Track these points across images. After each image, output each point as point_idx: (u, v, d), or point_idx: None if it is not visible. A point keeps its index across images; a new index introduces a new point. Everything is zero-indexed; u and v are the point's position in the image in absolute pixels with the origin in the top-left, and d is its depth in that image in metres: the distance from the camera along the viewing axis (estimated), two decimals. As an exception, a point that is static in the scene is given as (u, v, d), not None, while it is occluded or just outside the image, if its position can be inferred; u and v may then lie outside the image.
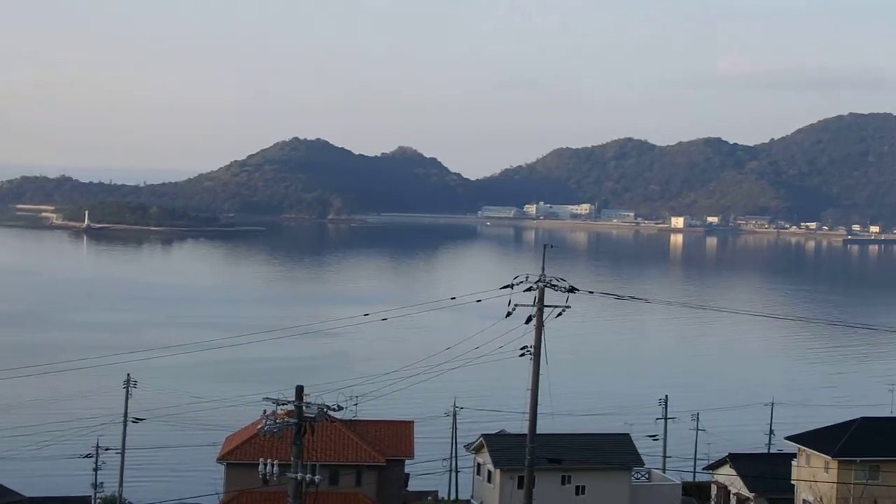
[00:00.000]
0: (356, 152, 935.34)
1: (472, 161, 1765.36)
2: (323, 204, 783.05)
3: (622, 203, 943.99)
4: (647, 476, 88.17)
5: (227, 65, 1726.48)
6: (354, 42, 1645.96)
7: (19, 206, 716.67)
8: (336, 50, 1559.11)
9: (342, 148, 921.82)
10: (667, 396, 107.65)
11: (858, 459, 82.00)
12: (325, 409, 44.39)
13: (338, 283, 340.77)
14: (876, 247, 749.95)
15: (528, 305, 56.56)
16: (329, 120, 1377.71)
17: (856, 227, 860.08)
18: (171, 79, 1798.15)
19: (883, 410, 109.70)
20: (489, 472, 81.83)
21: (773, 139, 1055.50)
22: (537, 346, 56.60)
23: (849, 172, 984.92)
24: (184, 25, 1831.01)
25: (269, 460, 43.60)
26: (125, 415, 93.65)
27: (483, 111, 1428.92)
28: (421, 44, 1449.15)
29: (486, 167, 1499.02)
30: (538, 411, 57.92)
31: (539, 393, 57.37)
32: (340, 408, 47.01)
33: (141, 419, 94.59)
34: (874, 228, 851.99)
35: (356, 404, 74.68)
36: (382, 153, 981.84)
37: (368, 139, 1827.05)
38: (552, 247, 70.29)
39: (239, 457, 73.50)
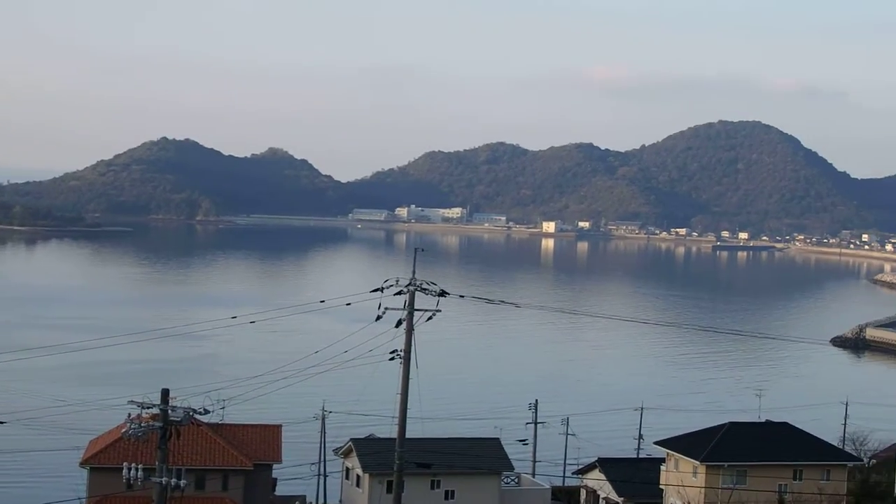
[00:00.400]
0: (226, 153, 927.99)
1: (345, 163, 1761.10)
2: (191, 205, 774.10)
3: (494, 207, 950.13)
4: (516, 481, 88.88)
5: (93, 62, 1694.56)
6: (221, 43, 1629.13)
7: None
8: (203, 52, 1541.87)
9: (212, 149, 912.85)
10: (537, 401, 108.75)
11: (726, 464, 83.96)
12: (191, 413, 44.07)
13: (206, 286, 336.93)
14: (744, 253, 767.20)
15: (398, 309, 56.79)
16: (199, 120, 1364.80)
17: (725, 234, 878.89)
18: (35, 73, 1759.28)
19: (751, 416, 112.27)
20: (358, 476, 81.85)
21: (644, 145, 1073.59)
22: (407, 350, 56.87)
23: (718, 179, 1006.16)
24: (47, 20, 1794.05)
25: (133, 464, 43.12)
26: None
27: (355, 114, 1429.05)
28: (289, 48, 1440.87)
29: (358, 170, 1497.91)
30: (408, 415, 58.17)
31: (409, 397, 57.63)
32: (207, 411, 46.80)
33: (1, 422, 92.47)
34: (743, 235, 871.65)
35: (223, 408, 74.08)
36: (253, 154, 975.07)
37: (239, 140, 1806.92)
38: (423, 250, 70.59)
39: (102, 461, 72.27)
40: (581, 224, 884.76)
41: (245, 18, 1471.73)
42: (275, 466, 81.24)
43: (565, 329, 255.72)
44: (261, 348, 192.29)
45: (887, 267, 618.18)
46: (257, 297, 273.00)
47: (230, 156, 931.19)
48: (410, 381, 57.23)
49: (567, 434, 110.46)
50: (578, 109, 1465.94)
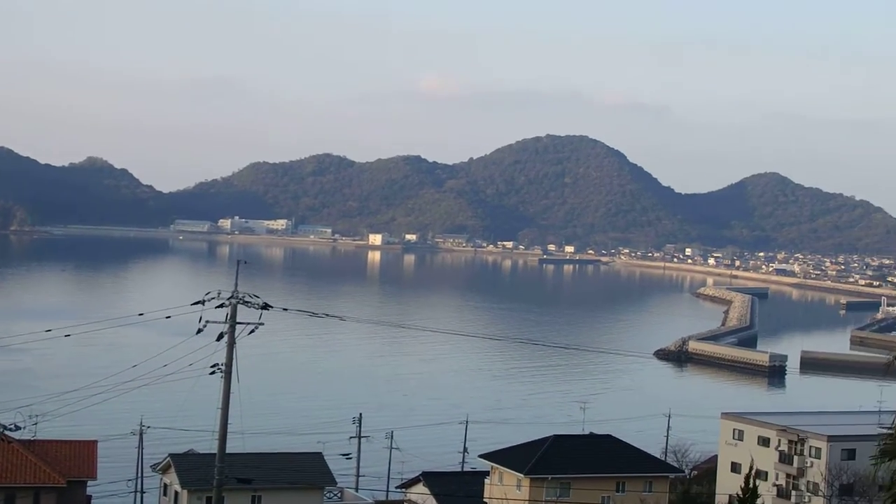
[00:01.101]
0: (42, 161, 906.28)
1: (167, 174, 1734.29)
2: (5, 214, 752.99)
3: (320, 219, 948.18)
4: (339, 495, 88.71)
5: None
6: (41, 45, 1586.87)
7: None
8: (20, 52, 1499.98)
9: (27, 157, 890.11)
10: (361, 415, 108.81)
11: (550, 477, 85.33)
12: (1, 430, 43.22)
13: (19, 298, 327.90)
14: (570, 266, 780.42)
15: (219, 322, 56.23)
16: (13, 126, 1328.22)
17: (551, 247, 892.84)
18: None
19: (575, 428, 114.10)
20: (176, 492, 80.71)
21: (472, 158, 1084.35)
22: (228, 364, 56.31)
23: (545, 193, 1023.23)
24: None
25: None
26: None
27: (177, 122, 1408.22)
28: (112, 56, 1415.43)
29: (182, 181, 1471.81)
30: (228, 430, 57.65)
31: (230, 412, 57.15)
32: (18, 427, 45.95)
33: None
34: (569, 248, 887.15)
35: (36, 424, 72.60)
36: (71, 163, 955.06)
37: (57, 148, 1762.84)
38: (246, 262, 70.15)
39: None
40: (408, 237, 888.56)
41: (65, 20, 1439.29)
42: (90, 483, 79.61)
43: (392, 342, 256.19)
44: (77, 362, 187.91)
45: (709, 280, 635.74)
46: (73, 310, 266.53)
47: (47, 164, 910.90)
48: (231, 395, 56.68)
49: (391, 448, 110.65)
50: (407, 122, 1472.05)
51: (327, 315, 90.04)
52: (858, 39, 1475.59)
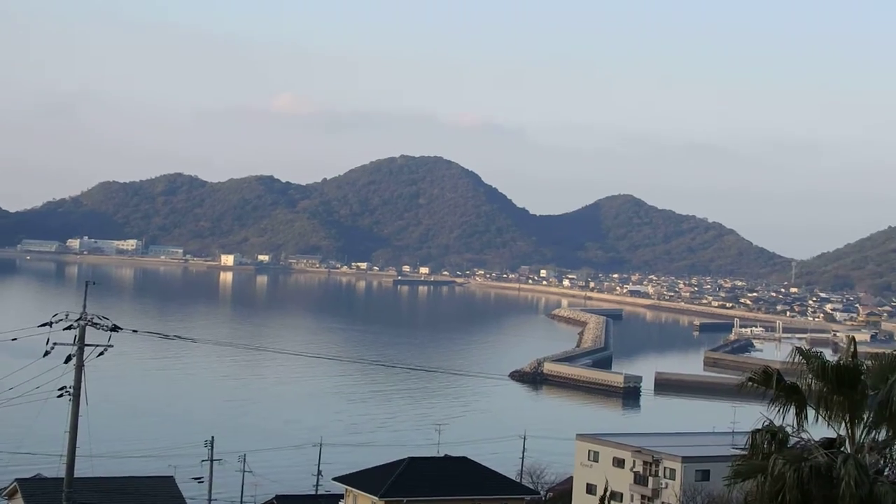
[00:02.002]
0: None
1: (13, 192, 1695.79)
2: None
3: (171, 239, 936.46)
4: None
5: None
6: None
7: None
8: None
9: None
10: (213, 438, 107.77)
11: (405, 499, 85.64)
12: None
13: None
14: (425, 287, 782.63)
15: (67, 344, 55.52)
16: None
17: (406, 268, 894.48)
18: None
19: (431, 451, 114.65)
20: (22, 521, 79.06)
21: (325, 179, 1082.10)
22: (77, 387, 55.59)
23: (400, 214, 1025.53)
24: None
25: None
26: None
27: (23, 139, 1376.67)
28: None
29: (28, 199, 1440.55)
30: (77, 454, 56.86)
31: (79, 435, 56.39)
32: None
33: None
34: (424, 269, 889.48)
35: None
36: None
37: None
38: (95, 283, 69.23)
39: None
40: (261, 257, 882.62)
41: None
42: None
43: (246, 365, 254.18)
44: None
45: (564, 302, 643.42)
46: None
47: None
48: (80, 418, 56.01)
49: (244, 471, 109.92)
50: (261, 142, 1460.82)
51: (178, 337, 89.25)
52: (710, 63, 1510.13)
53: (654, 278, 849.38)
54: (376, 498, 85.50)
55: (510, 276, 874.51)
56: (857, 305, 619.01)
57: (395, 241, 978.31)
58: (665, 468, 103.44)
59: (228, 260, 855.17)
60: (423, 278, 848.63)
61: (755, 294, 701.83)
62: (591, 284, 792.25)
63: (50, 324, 55.20)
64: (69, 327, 55.79)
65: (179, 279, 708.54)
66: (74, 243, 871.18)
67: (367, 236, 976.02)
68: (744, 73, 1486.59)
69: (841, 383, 37.53)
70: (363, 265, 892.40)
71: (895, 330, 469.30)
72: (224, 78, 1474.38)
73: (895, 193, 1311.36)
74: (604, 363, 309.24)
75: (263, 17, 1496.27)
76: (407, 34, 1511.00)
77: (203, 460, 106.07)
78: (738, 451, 40.01)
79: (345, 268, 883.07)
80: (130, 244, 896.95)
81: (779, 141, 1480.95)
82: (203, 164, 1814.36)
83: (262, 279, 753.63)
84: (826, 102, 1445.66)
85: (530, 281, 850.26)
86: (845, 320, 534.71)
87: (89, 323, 55.82)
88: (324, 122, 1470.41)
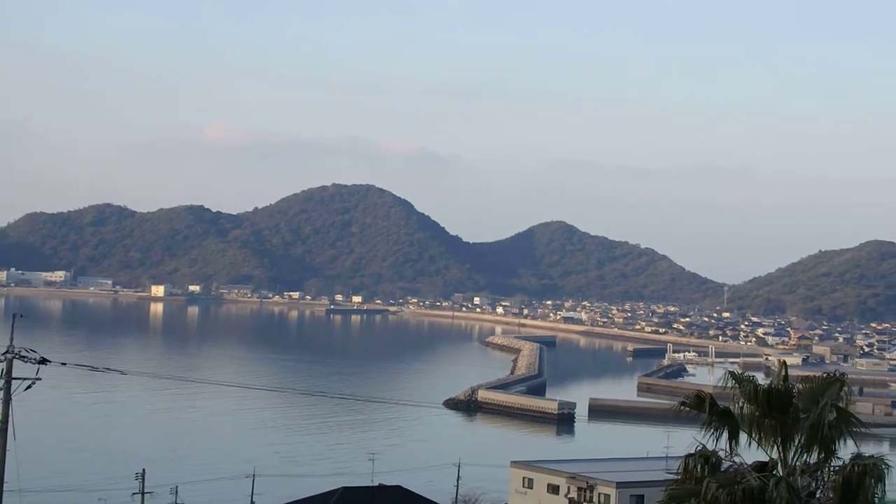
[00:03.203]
0: None
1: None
2: None
3: (101, 270, 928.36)
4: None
5: None
6: None
7: None
8: None
9: None
10: (144, 470, 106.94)
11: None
12: None
13: None
14: (358, 316, 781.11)
15: (-6, 378, 54.98)
16: None
17: (338, 297, 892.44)
18: None
19: (365, 480, 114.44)
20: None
21: (256, 208, 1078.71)
22: (4, 421, 55.14)
23: (332, 242, 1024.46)
24: None
25: None
26: None
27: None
28: None
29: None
30: (4, 489, 56.27)
31: (6, 469, 55.83)
32: None
33: None
34: (356, 298, 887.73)
35: None
36: None
37: None
38: (22, 316, 68.61)
39: None
40: (192, 288, 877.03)
41: None
42: None
43: (178, 397, 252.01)
44: None
45: (498, 329, 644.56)
46: None
47: None
48: (8, 452, 55.45)
49: (176, 503, 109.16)
50: (192, 171, 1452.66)
51: (108, 369, 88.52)
52: (642, 89, 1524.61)
53: (588, 304, 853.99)
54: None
55: (444, 304, 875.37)
56: (789, 329, 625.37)
57: (327, 270, 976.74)
58: (600, 493, 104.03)
59: (159, 291, 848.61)
60: (355, 307, 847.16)
61: (688, 319, 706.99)
62: (525, 311, 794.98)
63: (-25, 358, 54.63)
64: (-4, 361, 55.20)
65: (109, 311, 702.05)
66: (1, 275, 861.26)
67: (299, 265, 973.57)
68: (676, 99, 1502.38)
69: (772, 407, 38.05)
70: (295, 294, 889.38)
71: (826, 353, 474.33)
72: (154, 107, 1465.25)
73: (824, 219, 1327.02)
74: (538, 390, 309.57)
75: (193, 45, 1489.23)
76: (339, 60, 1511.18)
77: (134, 493, 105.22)
78: (672, 476, 40.40)
79: (277, 297, 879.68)
80: (59, 276, 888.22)
81: (711, 167, 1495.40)
82: (133, 194, 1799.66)
83: (193, 310, 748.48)
84: (759, 128, 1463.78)
85: (464, 308, 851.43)
86: (777, 344, 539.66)
87: (16, 356, 55.31)
88: (255, 151, 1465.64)
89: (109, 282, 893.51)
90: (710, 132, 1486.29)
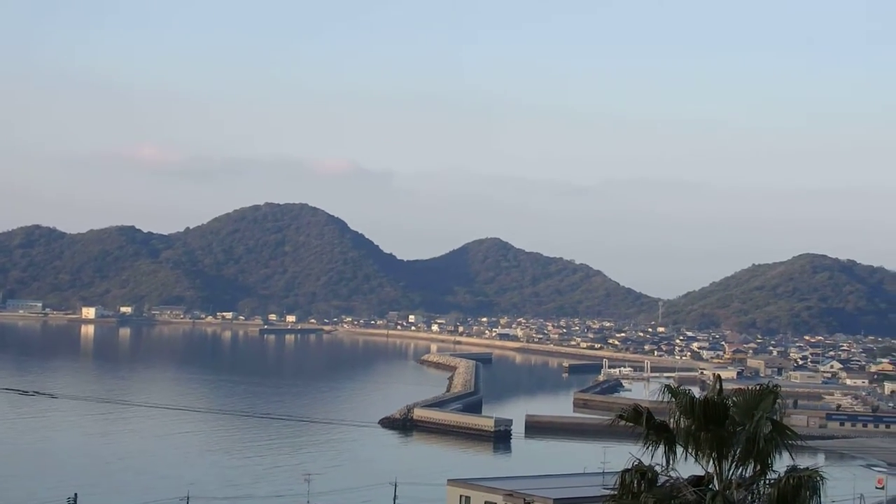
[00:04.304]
0: None
1: None
2: None
3: (30, 293, 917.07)
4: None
5: None
6: None
7: None
8: None
9: None
10: (76, 494, 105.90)
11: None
12: None
13: None
14: (293, 336, 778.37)
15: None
16: None
17: (272, 317, 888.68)
18: None
19: (301, 501, 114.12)
20: None
21: (188, 228, 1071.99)
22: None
23: (265, 262, 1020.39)
24: None
25: None
26: None
27: None
28: None
29: None
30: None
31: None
32: None
33: None
34: (290, 318, 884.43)
35: None
36: None
37: None
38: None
39: None
40: (123, 309, 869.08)
41: None
42: None
43: (112, 420, 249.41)
44: None
45: (433, 347, 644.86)
46: None
47: None
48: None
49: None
50: (122, 191, 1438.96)
51: (38, 393, 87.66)
52: (577, 103, 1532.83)
53: (523, 321, 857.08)
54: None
55: (378, 323, 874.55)
56: (723, 343, 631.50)
57: (260, 290, 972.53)
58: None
59: (90, 313, 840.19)
60: (289, 327, 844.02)
61: (623, 334, 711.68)
62: (460, 329, 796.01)
63: None
64: (-77, 386, 54.71)
65: (39, 334, 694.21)
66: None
67: (232, 285, 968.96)
68: (606, 112, 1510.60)
69: (708, 419, 38.43)
70: (228, 315, 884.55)
71: (761, 366, 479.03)
72: (85, 126, 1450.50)
73: (757, 232, 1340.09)
74: (474, 407, 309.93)
75: (127, 61, 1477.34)
76: (272, 79, 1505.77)
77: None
78: (609, 492, 40.61)
79: (210, 318, 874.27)
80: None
81: (643, 181, 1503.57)
82: (63, 215, 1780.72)
83: (125, 332, 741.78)
84: (691, 141, 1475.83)
85: (399, 327, 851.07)
86: (712, 358, 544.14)
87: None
88: (187, 170, 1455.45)
89: (39, 304, 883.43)
90: (641, 145, 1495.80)
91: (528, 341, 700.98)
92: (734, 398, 39.50)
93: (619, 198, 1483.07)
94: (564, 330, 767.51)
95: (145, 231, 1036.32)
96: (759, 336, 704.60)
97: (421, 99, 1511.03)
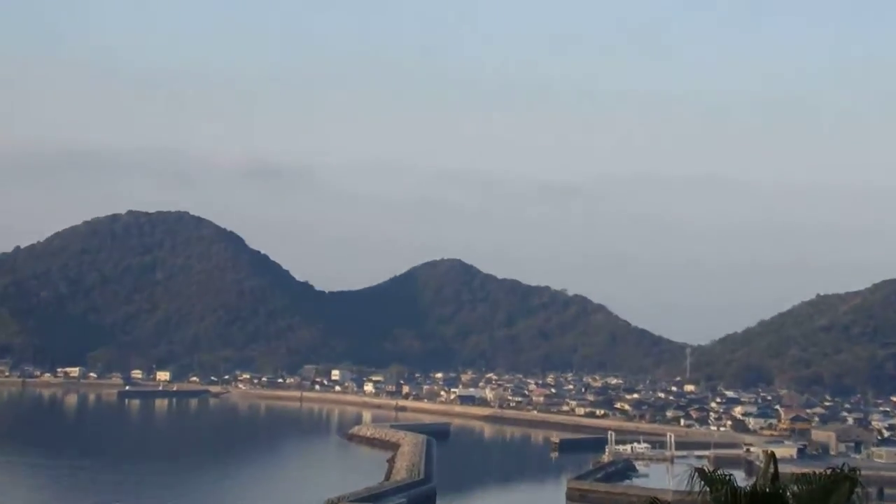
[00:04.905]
0: None
1: None
2: None
3: None
4: None
5: None
6: None
7: None
8: None
9: None
10: None
11: None
12: None
13: None
14: (166, 401, 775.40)
15: None
16: None
17: (137, 374, 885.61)
18: None
19: None
20: None
21: (19, 247, 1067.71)
22: None
23: (127, 296, 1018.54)
24: None
25: None
26: None
27: None
28: None
29: None
30: None
31: None
32: None
33: None
34: (163, 375, 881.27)
35: None
36: None
37: None
38: None
39: None
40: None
41: None
42: None
43: None
44: None
45: (367, 415, 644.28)
46: None
47: None
48: None
49: None
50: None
51: None
52: (563, 75, 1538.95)
53: (494, 377, 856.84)
54: None
55: (289, 381, 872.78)
56: (777, 407, 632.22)
57: (120, 336, 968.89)
58: None
59: None
60: (161, 388, 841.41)
61: (636, 396, 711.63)
62: (405, 389, 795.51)
63: None
64: None
65: None
66: None
67: (79, 329, 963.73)
68: (601, 88, 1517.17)
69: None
70: (74, 371, 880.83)
71: (830, 440, 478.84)
72: None
73: (821, 248, 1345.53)
74: (424, 501, 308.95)
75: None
76: (138, 46, 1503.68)
77: None
78: None
79: (47, 376, 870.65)
80: None
81: (656, 176, 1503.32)
82: None
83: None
84: (730, 128, 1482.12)
85: (318, 387, 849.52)
86: (761, 429, 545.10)
87: None
88: (18, 167, 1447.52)
89: None
90: (649, 129, 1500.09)
91: (501, 406, 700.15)
92: (794, 487, 39.24)
93: (621, 200, 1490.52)
94: (553, 390, 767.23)
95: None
96: (828, 397, 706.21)
97: (345, 74, 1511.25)
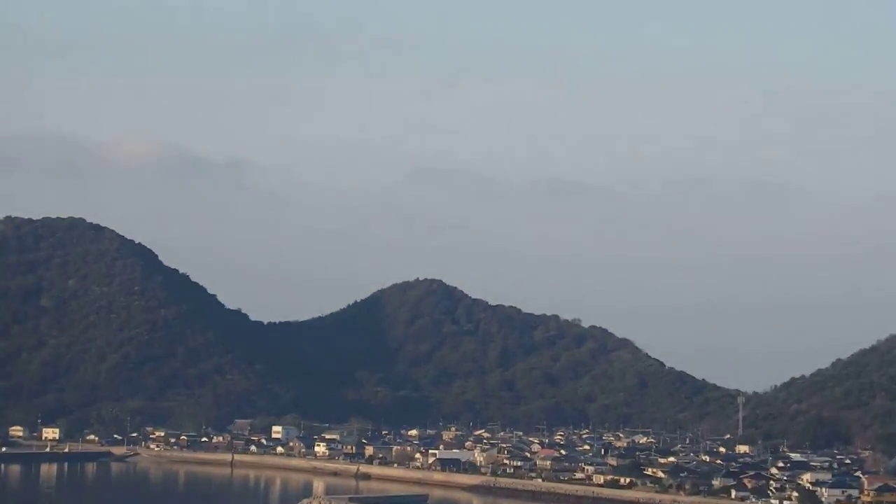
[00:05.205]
0: None
1: None
2: None
3: None
4: None
5: None
6: None
7: None
8: None
9: None
10: None
11: None
12: None
13: None
14: (54, 465, 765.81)
15: None
16: None
17: (16, 432, 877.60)
18: None
19: None
20: None
21: None
22: None
23: (5, 328, 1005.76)
24: None
25: None
26: None
27: None
28: None
29: None
30: None
31: None
32: None
33: None
34: (51, 432, 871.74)
35: None
36: None
37: None
38: None
39: None
40: None
41: None
42: None
43: None
44: None
45: (319, 485, 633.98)
46: None
47: None
48: None
49: None
50: None
51: None
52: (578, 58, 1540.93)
53: (486, 435, 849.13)
54: None
55: (216, 441, 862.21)
56: (859, 474, 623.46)
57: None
58: None
59: None
60: (48, 449, 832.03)
61: (672, 459, 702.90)
62: (369, 450, 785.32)
63: None
64: None
65: None
66: None
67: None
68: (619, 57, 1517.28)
69: None
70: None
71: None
72: None
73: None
74: None
75: None
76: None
77: None
78: None
79: None
80: None
81: (693, 177, 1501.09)
82: None
83: None
84: (787, 111, 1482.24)
85: (254, 448, 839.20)
86: (838, 501, 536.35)
87: None
88: None
89: None
90: (685, 113, 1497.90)
91: (495, 473, 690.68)
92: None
93: (648, 203, 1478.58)
94: (563, 452, 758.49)
95: None
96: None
97: (290, 40, 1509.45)
